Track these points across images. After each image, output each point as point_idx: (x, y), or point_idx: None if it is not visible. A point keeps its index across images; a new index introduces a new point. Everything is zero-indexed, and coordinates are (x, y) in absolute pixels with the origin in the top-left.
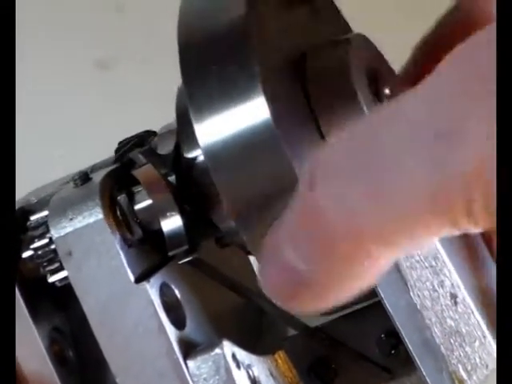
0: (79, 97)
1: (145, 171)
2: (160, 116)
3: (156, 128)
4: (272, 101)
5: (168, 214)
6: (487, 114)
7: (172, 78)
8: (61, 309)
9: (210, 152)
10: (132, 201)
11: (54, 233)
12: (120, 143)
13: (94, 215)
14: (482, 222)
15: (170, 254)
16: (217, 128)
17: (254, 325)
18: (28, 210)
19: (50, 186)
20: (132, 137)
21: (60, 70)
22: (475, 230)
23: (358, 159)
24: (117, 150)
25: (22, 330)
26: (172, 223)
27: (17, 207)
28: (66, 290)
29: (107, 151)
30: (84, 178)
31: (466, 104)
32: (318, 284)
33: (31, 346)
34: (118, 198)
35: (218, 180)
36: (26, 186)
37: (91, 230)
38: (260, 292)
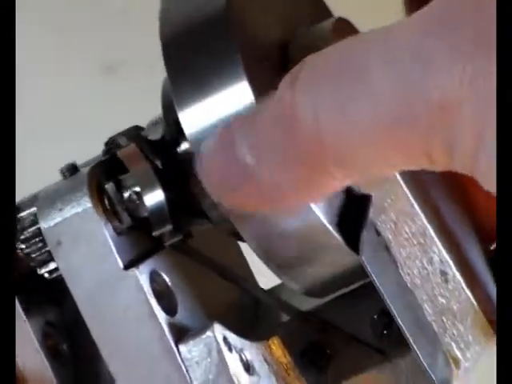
0: (86, 100)
1: (127, 149)
2: None
3: None
4: (255, 86)
5: (150, 188)
6: (471, 52)
7: None
8: (54, 303)
9: (196, 140)
10: (120, 189)
11: (43, 224)
12: (109, 138)
13: (83, 204)
14: (440, 165)
15: (155, 233)
16: (201, 115)
17: (249, 312)
18: (20, 208)
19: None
20: (120, 132)
21: (67, 73)
22: (435, 169)
23: (337, 70)
24: (106, 144)
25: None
26: (154, 197)
27: None
28: (58, 284)
29: None
30: (72, 169)
31: (456, 40)
32: (264, 183)
33: (24, 341)
34: (106, 186)
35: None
36: (27, 187)
37: (80, 219)
38: (252, 280)
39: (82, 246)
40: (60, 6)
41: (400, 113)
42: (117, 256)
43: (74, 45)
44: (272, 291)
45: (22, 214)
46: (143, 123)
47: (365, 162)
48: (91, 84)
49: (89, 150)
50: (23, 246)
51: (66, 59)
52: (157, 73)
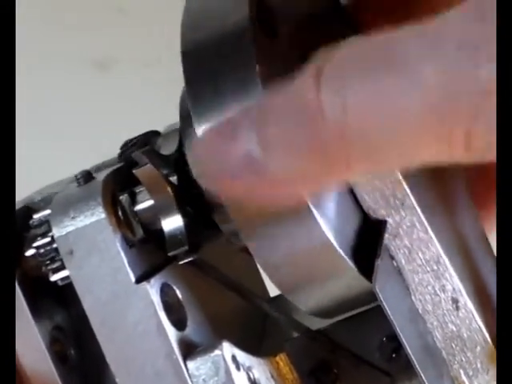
0: (78, 97)
1: (145, 170)
2: (159, 117)
3: (155, 128)
4: None
5: (168, 213)
6: None
7: (171, 80)
8: (62, 307)
9: None
10: (134, 201)
11: (56, 231)
12: (125, 143)
13: (96, 214)
14: (478, 154)
15: (170, 254)
16: None
17: (257, 327)
18: (31, 209)
19: (56, 184)
20: (137, 137)
21: (59, 70)
22: (469, 161)
23: (374, 59)
24: (121, 149)
25: (22, 328)
26: (172, 223)
27: (21, 205)
28: (67, 289)
29: (104, 152)
30: (87, 177)
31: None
32: (270, 176)
33: (32, 344)
34: (120, 197)
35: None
36: (20, 184)
37: (93, 230)
38: (262, 294)
39: (93, 257)
40: (52, 4)
41: (446, 97)
42: (128, 269)
43: (66, 42)
44: (282, 306)
45: (35, 216)
46: (135, 120)
47: (398, 154)
48: (83, 81)
49: (81, 147)
50: (36, 252)
51: (58, 56)
52: (149, 70)
